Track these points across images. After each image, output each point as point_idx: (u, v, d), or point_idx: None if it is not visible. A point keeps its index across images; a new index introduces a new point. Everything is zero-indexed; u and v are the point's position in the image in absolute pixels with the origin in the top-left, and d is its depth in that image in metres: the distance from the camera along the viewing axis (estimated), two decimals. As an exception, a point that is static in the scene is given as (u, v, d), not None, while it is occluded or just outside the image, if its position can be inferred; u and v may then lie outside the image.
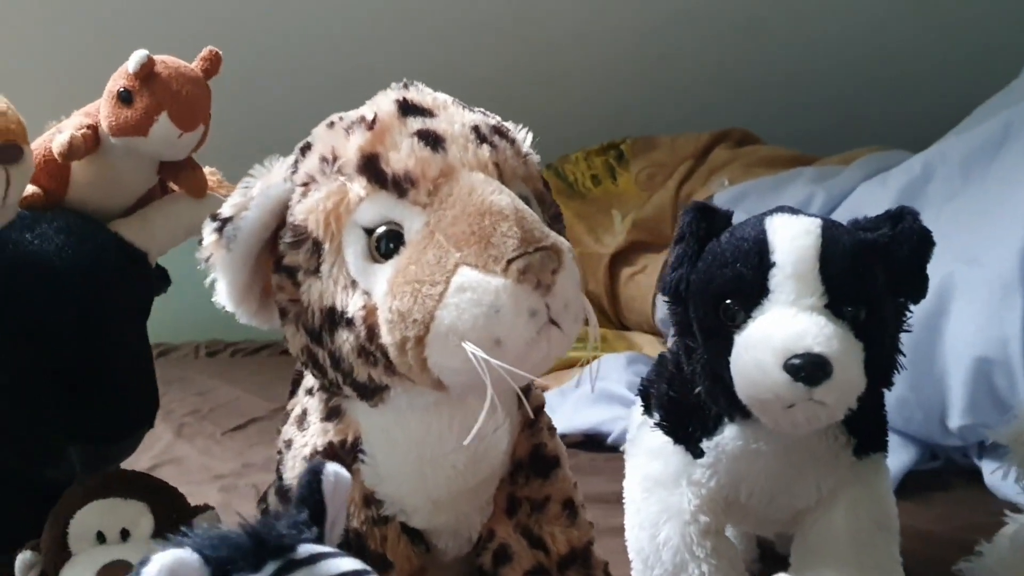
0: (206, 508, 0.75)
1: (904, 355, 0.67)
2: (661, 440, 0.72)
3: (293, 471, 0.66)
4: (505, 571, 0.67)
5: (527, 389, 0.67)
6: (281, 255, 0.58)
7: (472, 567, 0.70)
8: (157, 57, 0.71)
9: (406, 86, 0.61)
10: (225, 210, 0.58)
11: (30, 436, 0.71)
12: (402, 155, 0.55)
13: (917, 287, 0.66)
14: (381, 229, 0.55)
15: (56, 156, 0.71)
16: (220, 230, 0.58)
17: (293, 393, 0.72)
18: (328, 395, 0.65)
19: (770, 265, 0.61)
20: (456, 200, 0.54)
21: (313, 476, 0.45)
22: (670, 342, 1.58)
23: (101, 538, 0.70)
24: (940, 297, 1.10)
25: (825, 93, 1.99)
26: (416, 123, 0.57)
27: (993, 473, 1.02)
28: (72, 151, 0.70)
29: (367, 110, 0.59)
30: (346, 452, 0.64)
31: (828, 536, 0.69)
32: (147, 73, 0.70)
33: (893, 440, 0.74)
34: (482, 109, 0.62)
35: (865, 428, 0.69)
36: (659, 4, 1.89)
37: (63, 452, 0.71)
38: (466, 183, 0.54)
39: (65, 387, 0.70)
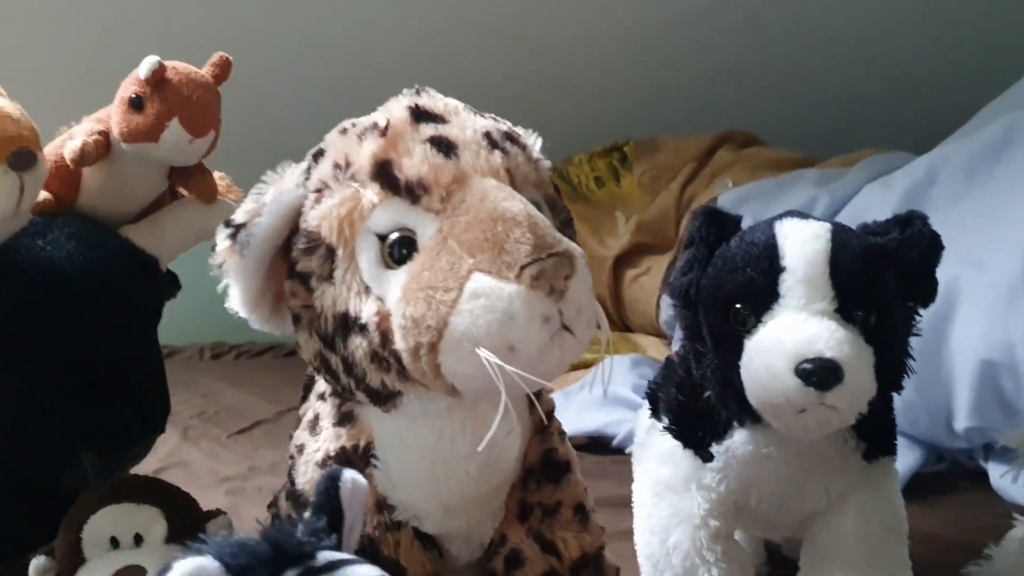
0: (218, 513, 0.76)
1: (914, 359, 0.67)
2: (670, 444, 0.72)
3: (305, 476, 0.66)
4: (517, 576, 0.68)
5: (538, 393, 0.67)
6: (294, 261, 0.59)
7: (484, 572, 0.70)
8: (168, 63, 0.71)
9: (418, 92, 0.61)
10: (238, 216, 0.59)
11: (43, 442, 0.71)
12: (415, 161, 0.55)
13: (926, 291, 0.66)
14: (394, 235, 0.56)
15: (68, 162, 0.71)
16: (233, 236, 0.58)
17: (305, 398, 0.72)
18: (340, 400, 0.66)
19: (780, 270, 0.61)
20: (469, 206, 0.54)
21: (331, 483, 0.45)
22: (675, 345, 1.60)
23: (115, 543, 0.70)
24: (946, 300, 1.10)
25: (827, 95, 1.99)
26: (428, 129, 0.57)
27: (1003, 477, 1.02)
28: (84, 157, 0.70)
29: (379, 116, 0.59)
30: (358, 457, 0.64)
31: (838, 540, 0.69)
32: (158, 79, 0.70)
33: (899, 442, 0.74)
34: (493, 115, 0.63)
35: (874, 432, 0.69)
36: (662, 7, 1.89)
37: (76, 458, 0.71)
38: (479, 189, 0.55)
39: (78, 393, 0.70)
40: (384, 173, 0.56)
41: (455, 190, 0.55)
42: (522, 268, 0.51)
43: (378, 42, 1.93)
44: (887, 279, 0.63)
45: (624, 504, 0.87)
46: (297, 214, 0.59)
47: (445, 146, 0.56)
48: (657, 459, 0.73)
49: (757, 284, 0.62)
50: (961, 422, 1.08)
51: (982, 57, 1.83)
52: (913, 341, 0.67)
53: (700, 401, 0.69)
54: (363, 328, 0.56)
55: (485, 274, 0.52)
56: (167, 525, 0.71)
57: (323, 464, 0.65)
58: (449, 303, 0.52)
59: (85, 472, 0.74)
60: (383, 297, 0.56)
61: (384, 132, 0.57)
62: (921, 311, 0.67)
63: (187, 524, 0.72)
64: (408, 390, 0.59)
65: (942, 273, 0.66)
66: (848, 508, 0.69)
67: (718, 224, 0.68)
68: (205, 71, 0.74)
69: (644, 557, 0.72)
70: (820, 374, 0.58)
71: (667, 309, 1.65)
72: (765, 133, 1.89)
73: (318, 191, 0.58)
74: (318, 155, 0.60)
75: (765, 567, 0.88)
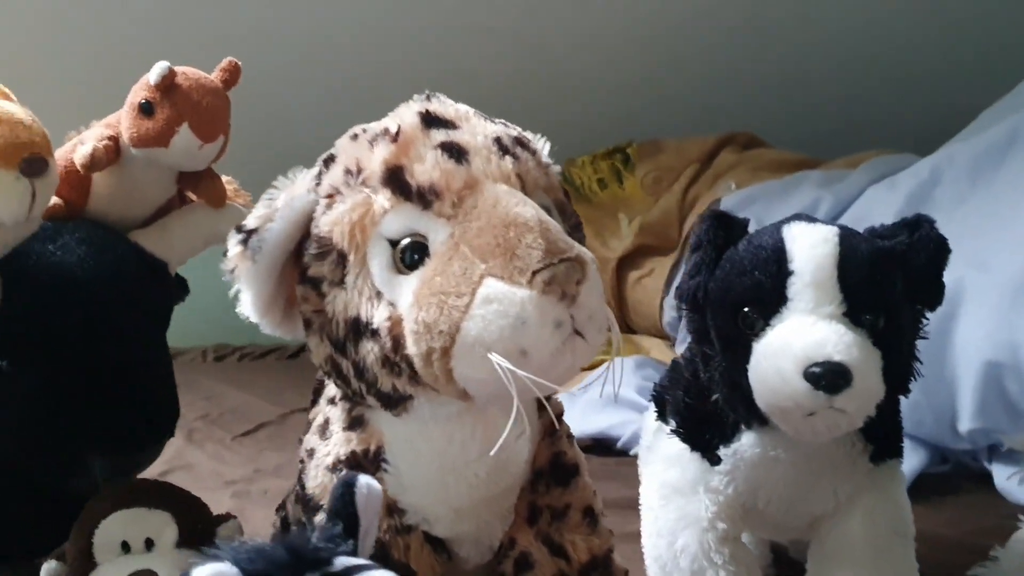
0: (228, 517, 0.76)
1: (921, 362, 0.67)
2: (678, 447, 0.72)
3: (315, 480, 0.66)
4: (527, 579, 0.68)
5: (548, 396, 0.67)
6: (306, 266, 0.59)
7: (493, 575, 0.70)
8: (178, 68, 0.72)
9: (428, 98, 0.62)
10: (250, 222, 0.59)
11: (53, 446, 0.71)
12: (426, 167, 0.56)
13: (934, 294, 0.67)
14: (406, 241, 0.56)
15: (78, 168, 0.71)
16: (245, 242, 0.58)
17: (315, 402, 0.72)
18: (351, 405, 0.66)
19: (788, 273, 0.61)
20: (481, 212, 0.54)
21: (346, 489, 0.45)
22: (679, 346, 1.60)
23: (126, 547, 0.71)
24: (950, 301, 1.10)
25: (830, 96, 2.00)
26: (440, 135, 0.57)
27: (1009, 479, 1.02)
28: (94, 163, 0.70)
29: (390, 122, 0.59)
30: (369, 461, 0.64)
31: (845, 542, 0.69)
32: (168, 84, 0.70)
33: (904, 444, 0.74)
34: (503, 120, 0.63)
35: (881, 434, 0.69)
36: (664, 8, 1.89)
37: (86, 462, 0.71)
38: (490, 195, 0.55)
39: (87, 397, 0.70)
40: (396, 179, 0.56)
41: (467, 195, 0.55)
42: (534, 273, 0.52)
43: (382, 45, 1.93)
44: (895, 282, 0.63)
45: (629, 506, 0.87)
46: (309, 219, 0.59)
47: (456, 152, 0.56)
48: (664, 462, 0.73)
49: (765, 287, 0.62)
50: (965, 423, 1.08)
51: (985, 58, 1.83)
52: (918, 343, 0.68)
53: (707, 404, 0.69)
54: (375, 333, 0.56)
55: (497, 279, 0.52)
56: (178, 529, 0.72)
57: (334, 468, 0.65)
58: (461, 308, 0.52)
59: (94, 476, 0.75)
60: (395, 302, 0.56)
61: (395, 138, 0.57)
62: (928, 314, 0.68)
63: (198, 528, 0.73)
64: (419, 394, 0.59)
65: (946, 274, 0.66)
66: (855, 511, 0.69)
67: (726, 227, 0.68)
68: (214, 76, 0.74)
69: (652, 560, 0.72)
70: (829, 377, 0.58)
71: (670, 310, 1.65)
72: (768, 134, 1.89)
73: (330, 196, 0.58)
74: (329, 161, 0.60)
75: (772, 569, 0.88)
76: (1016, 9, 1.81)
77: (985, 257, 1.12)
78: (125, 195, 0.76)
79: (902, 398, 0.69)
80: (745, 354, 0.63)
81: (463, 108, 0.61)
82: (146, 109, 0.71)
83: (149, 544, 0.71)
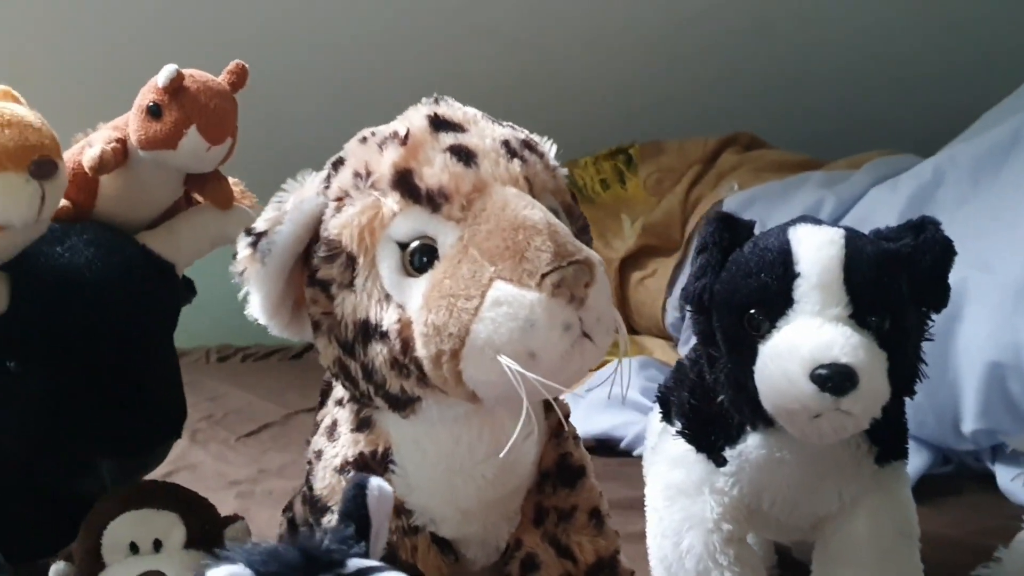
0: (236, 518, 0.76)
1: (926, 364, 0.68)
2: (683, 448, 0.72)
3: (323, 481, 0.66)
4: (533, 580, 0.68)
5: (555, 397, 0.67)
6: (315, 269, 0.59)
7: (500, 576, 0.70)
8: (185, 71, 0.72)
9: (436, 101, 0.62)
10: (259, 224, 0.59)
11: (61, 448, 0.71)
12: (435, 170, 0.56)
13: (939, 296, 0.67)
14: (415, 243, 0.56)
15: (87, 170, 0.71)
16: (254, 244, 0.59)
17: (322, 404, 0.72)
18: (359, 406, 0.66)
19: (795, 275, 0.62)
20: (490, 215, 0.54)
21: (358, 490, 0.45)
22: (681, 347, 1.60)
23: (134, 548, 0.71)
24: (953, 302, 1.09)
25: (832, 97, 2.00)
26: (448, 138, 0.58)
27: (1013, 480, 1.03)
28: (103, 165, 0.70)
29: (399, 125, 0.59)
30: (376, 463, 0.65)
31: (850, 543, 0.69)
32: (176, 87, 0.70)
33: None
34: (511, 123, 0.63)
35: (887, 436, 0.69)
36: (666, 9, 1.89)
37: (93, 464, 0.72)
38: (499, 198, 0.55)
39: (95, 398, 0.70)
40: (405, 182, 0.56)
41: (475, 198, 0.55)
42: (543, 276, 0.52)
43: (385, 48, 1.93)
44: (900, 284, 0.63)
45: (632, 506, 0.87)
46: (318, 222, 0.59)
47: (465, 155, 0.56)
48: (669, 463, 0.73)
49: (772, 289, 0.63)
50: (968, 424, 1.08)
51: (987, 59, 1.83)
52: (923, 345, 0.68)
53: (713, 405, 0.70)
54: (384, 335, 0.57)
55: (506, 282, 0.52)
56: (186, 530, 0.72)
57: (341, 470, 0.65)
58: (471, 311, 0.53)
59: (102, 477, 0.75)
60: (404, 305, 0.56)
61: (404, 141, 0.58)
62: (934, 316, 0.68)
63: (205, 529, 0.73)
64: (427, 396, 0.59)
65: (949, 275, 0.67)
66: (860, 512, 0.69)
67: (731, 229, 0.68)
68: (222, 79, 0.74)
69: (657, 560, 0.72)
70: (836, 379, 0.58)
71: (673, 311, 1.66)
72: (770, 135, 1.89)
73: (339, 200, 0.58)
74: (338, 164, 0.60)
75: (776, 570, 0.89)
76: (1018, 10, 1.81)
77: (988, 258, 1.12)
78: (133, 197, 0.76)
79: (906, 399, 0.69)
80: (751, 356, 0.63)
81: (471, 111, 0.62)
82: (154, 111, 0.71)
83: (157, 545, 0.71)
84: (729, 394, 0.67)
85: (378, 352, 0.57)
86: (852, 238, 0.63)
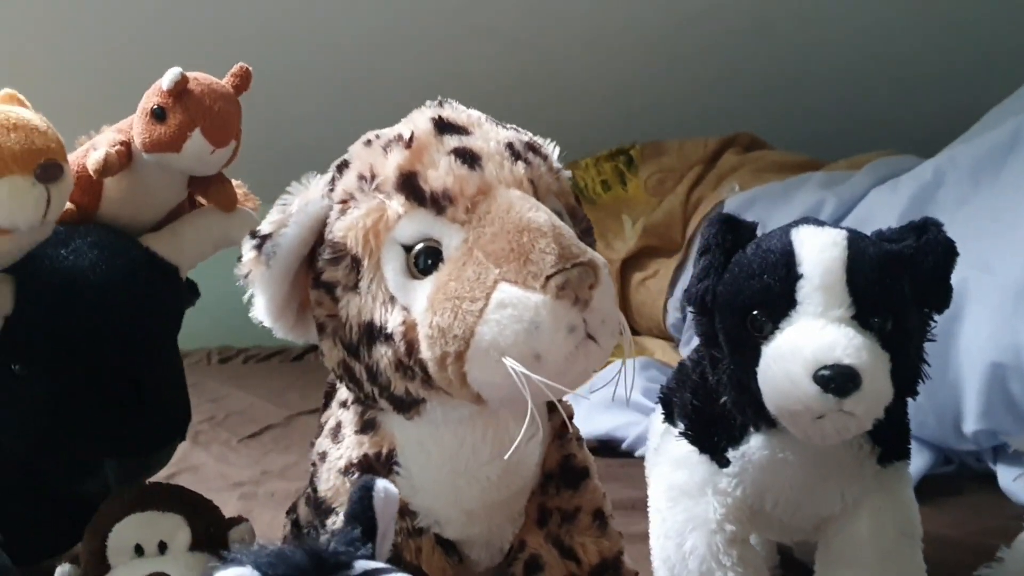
0: (240, 520, 0.76)
1: (929, 364, 0.68)
2: (686, 449, 0.72)
3: (328, 483, 0.67)
4: (537, 581, 0.68)
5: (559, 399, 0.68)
6: (320, 271, 0.59)
7: (504, 577, 0.71)
8: (190, 74, 0.72)
9: (441, 104, 0.62)
10: (264, 227, 0.59)
11: (65, 450, 0.72)
12: (440, 173, 0.56)
13: (941, 297, 0.67)
14: (419, 246, 0.56)
15: (91, 173, 0.71)
16: (259, 247, 0.59)
17: (326, 405, 0.72)
18: (363, 408, 0.66)
19: (797, 277, 0.62)
20: (494, 217, 0.55)
21: (365, 493, 0.46)
22: (683, 348, 1.60)
23: (139, 551, 0.71)
24: (954, 303, 1.10)
25: (832, 97, 2.00)
26: (452, 141, 0.58)
27: (1015, 480, 1.03)
28: (107, 168, 0.71)
29: (403, 128, 0.60)
30: (381, 464, 0.65)
31: (852, 544, 0.69)
32: (180, 90, 0.71)
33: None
34: (514, 126, 0.63)
35: (889, 436, 0.69)
36: (667, 9, 1.89)
37: (98, 465, 0.72)
38: (504, 200, 0.55)
39: (100, 400, 0.70)
40: (409, 184, 0.56)
41: (480, 201, 0.55)
42: (548, 278, 0.52)
43: (386, 49, 1.93)
44: (903, 286, 0.63)
45: (635, 507, 0.87)
46: (322, 225, 0.59)
47: (469, 157, 0.57)
48: (672, 464, 0.73)
49: (774, 291, 0.63)
50: (970, 425, 1.08)
51: (988, 59, 1.83)
52: (925, 346, 0.68)
53: (715, 406, 0.70)
54: (388, 337, 0.57)
55: (511, 284, 0.53)
56: (191, 532, 0.72)
57: (346, 471, 0.65)
58: (476, 313, 0.53)
59: (107, 479, 0.75)
60: (409, 307, 0.56)
61: (409, 144, 0.58)
62: (936, 317, 0.68)
63: (210, 531, 0.73)
64: (432, 398, 0.59)
65: (950, 276, 0.67)
66: (863, 512, 0.69)
67: (734, 231, 0.68)
68: (225, 82, 0.74)
69: (660, 561, 0.72)
70: (839, 381, 0.58)
71: (674, 312, 1.66)
72: (770, 135, 1.89)
73: (343, 202, 0.59)
74: (343, 166, 0.61)
75: (779, 570, 0.89)
76: (1018, 10, 1.81)
77: (988, 259, 1.12)
78: (137, 199, 0.76)
79: (908, 400, 0.69)
80: (754, 357, 0.63)
81: (475, 114, 0.62)
82: (158, 114, 0.71)
83: (162, 547, 0.71)
84: (732, 395, 0.68)
85: (383, 354, 0.58)
86: (854, 240, 0.63)
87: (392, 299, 0.57)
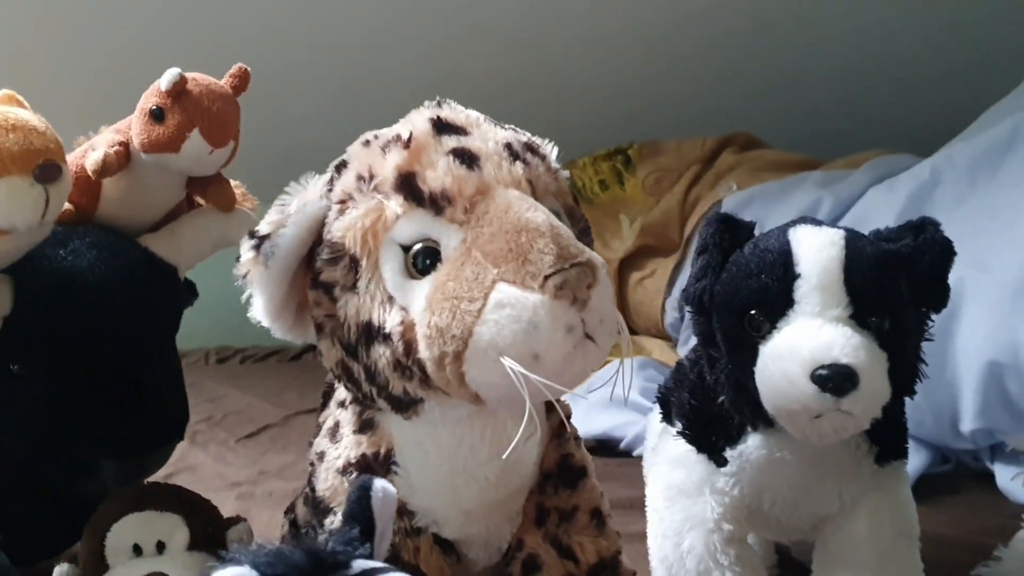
0: (238, 520, 0.77)
1: (926, 364, 0.68)
2: (684, 449, 0.72)
3: (326, 483, 0.67)
4: (535, 581, 0.68)
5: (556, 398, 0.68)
6: (318, 271, 0.59)
7: (502, 576, 0.71)
8: (188, 74, 0.72)
9: (439, 104, 0.62)
10: (263, 227, 0.60)
11: (64, 450, 0.71)
12: (438, 173, 0.56)
13: (939, 296, 0.67)
14: (418, 246, 0.56)
15: (90, 173, 0.71)
16: (258, 247, 0.59)
17: (325, 405, 0.73)
18: (361, 408, 0.66)
19: (795, 276, 0.62)
20: (493, 217, 0.55)
21: (363, 492, 0.46)
22: (681, 348, 1.60)
23: (137, 550, 0.71)
24: (951, 302, 1.10)
25: (830, 97, 2.00)
26: (451, 141, 0.58)
27: (1014, 479, 1.03)
28: (106, 168, 0.70)
29: (402, 128, 0.60)
30: (379, 464, 0.65)
31: (850, 543, 0.69)
32: (179, 91, 0.70)
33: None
34: (513, 126, 0.63)
35: (886, 436, 0.70)
36: (666, 9, 1.89)
37: (96, 466, 0.72)
38: (502, 200, 0.55)
39: (98, 401, 0.70)
40: (408, 185, 0.56)
41: (478, 201, 0.56)
42: (546, 278, 0.52)
43: (385, 49, 1.94)
44: (900, 285, 0.64)
45: (633, 507, 0.88)
46: (321, 225, 0.59)
47: (468, 158, 0.57)
48: (670, 463, 0.73)
49: (772, 290, 0.63)
50: (967, 424, 1.09)
51: (986, 59, 1.84)
52: (922, 345, 0.68)
53: (713, 406, 0.70)
54: (387, 337, 0.57)
55: (509, 284, 0.53)
56: (189, 532, 0.72)
57: (344, 471, 0.66)
58: (474, 313, 0.53)
59: (105, 479, 0.75)
60: (407, 307, 0.56)
61: (407, 144, 0.58)
62: (933, 316, 0.68)
63: (208, 531, 0.73)
64: (430, 397, 0.60)
65: (948, 275, 0.67)
66: (860, 511, 0.69)
67: (731, 230, 0.68)
68: (224, 82, 0.74)
69: (658, 561, 0.73)
70: (836, 380, 0.58)
71: (672, 311, 1.66)
72: (768, 135, 1.89)
73: (342, 202, 0.59)
74: (341, 167, 0.61)
75: (776, 570, 0.89)
76: (1016, 10, 1.81)
77: (985, 257, 1.12)
78: (135, 200, 0.76)
79: (906, 399, 0.69)
80: (752, 356, 0.64)
81: (473, 114, 0.62)
82: (157, 115, 0.71)
83: (160, 547, 0.71)
84: (729, 395, 0.68)
85: (381, 354, 0.58)
86: (852, 239, 0.63)
87: (390, 299, 0.57)
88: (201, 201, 0.81)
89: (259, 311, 0.61)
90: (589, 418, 1.33)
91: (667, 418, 0.77)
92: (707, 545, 0.69)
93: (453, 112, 0.61)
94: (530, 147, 0.61)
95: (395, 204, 0.56)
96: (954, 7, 1.83)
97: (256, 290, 0.60)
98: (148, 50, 1.73)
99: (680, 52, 1.99)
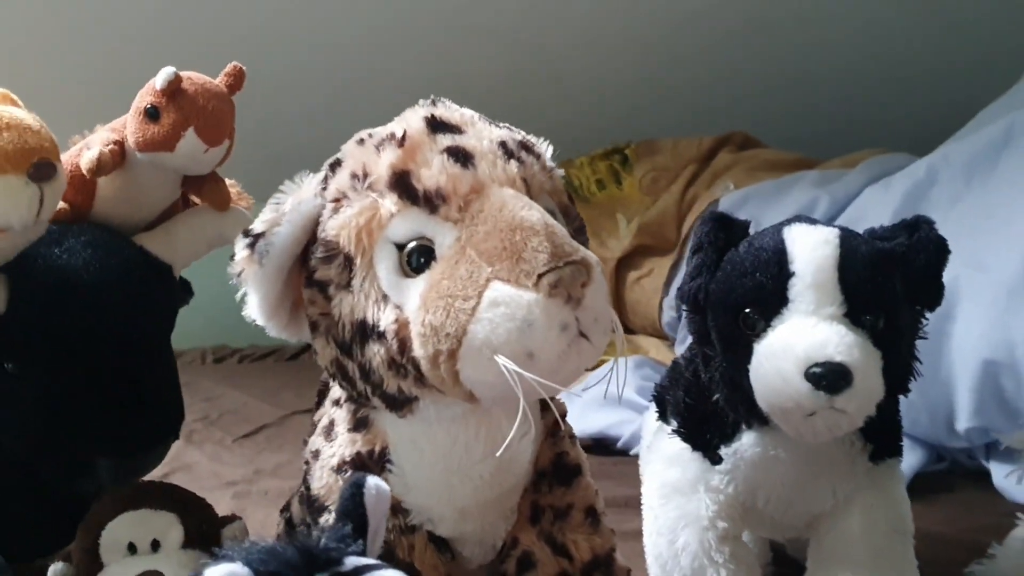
0: (234, 518, 0.77)
1: (921, 362, 0.68)
2: (678, 447, 0.73)
3: (321, 481, 0.67)
4: (529, 578, 0.68)
5: (551, 397, 0.68)
6: (312, 270, 0.59)
7: (496, 574, 0.70)
8: (183, 73, 0.72)
9: (434, 103, 0.62)
10: (257, 226, 0.60)
11: (59, 449, 0.71)
12: (433, 172, 0.56)
13: (933, 295, 0.67)
14: (412, 244, 0.56)
15: (84, 172, 0.71)
16: (252, 246, 0.59)
17: (319, 404, 0.73)
18: (356, 406, 0.66)
19: (789, 275, 0.62)
20: (487, 216, 0.55)
21: (356, 489, 0.46)
22: (678, 347, 1.60)
23: (132, 549, 0.71)
24: (946, 300, 1.10)
25: (827, 96, 2.00)
26: (446, 140, 0.58)
27: (1007, 477, 1.03)
28: (101, 167, 0.70)
29: (396, 127, 0.60)
30: (374, 462, 0.65)
31: (844, 541, 0.69)
32: (174, 89, 0.70)
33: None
34: (507, 124, 0.63)
35: (881, 434, 0.70)
36: (665, 9, 1.90)
37: (92, 464, 0.72)
38: (497, 199, 0.55)
39: (94, 400, 0.70)
40: (402, 183, 0.56)
41: (473, 200, 0.56)
42: (540, 276, 0.52)
43: (382, 48, 1.94)
44: (895, 283, 0.64)
45: (628, 505, 0.88)
46: (315, 223, 0.59)
47: (462, 156, 0.57)
48: (665, 461, 0.73)
49: (767, 289, 0.63)
50: (962, 422, 1.09)
51: (982, 58, 1.84)
52: (917, 343, 0.68)
53: (708, 404, 0.70)
54: (381, 335, 0.57)
55: (504, 282, 0.53)
56: (184, 530, 0.72)
57: (339, 469, 0.66)
58: (468, 311, 0.53)
59: (100, 478, 0.75)
60: (401, 305, 0.56)
61: (402, 143, 0.58)
62: (928, 315, 0.68)
63: (203, 529, 0.73)
64: (424, 396, 0.60)
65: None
66: (854, 509, 0.69)
67: (726, 229, 0.68)
68: (219, 81, 0.74)
69: (652, 558, 0.73)
70: (830, 378, 0.58)
71: (669, 311, 1.66)
72: (765, 134, 1.90)
73: (336, 201, 0.59)
74: (335, 165, 0.61)
75: (771, 567, 0.89)
76: (1014, 9, 1.82)
77: (981, 256, 1.13)
78: (130, 199, 0.76)
79: (901, 397, 0.69)
80: (746, 355, 0.64)
81: (468, 113, 0.62)
82: (152, 114, 0.71)
83: (155, 545, 0.71)
84: (724, 393, 0.68)
85: (375, 352, 0.58)
86: (847, 237, 0.64)
87: (385, 297, 0.57)
88: (196, 200, 0.81)
89: (254, 309, 0.61)
90: (585, 417, 1.33)
91: (663, 416, 0.77)
92: (702, 543, 0.69)
93: (448, 110, 0.61)
94: (525, 146, 0.61)
95: (389, 202, 0.56)
96: (951, 7, 1.83)
97: (251, 289, 0.60)
98: (144, 49, 1.74)
99: (677, 52, 1.99)
